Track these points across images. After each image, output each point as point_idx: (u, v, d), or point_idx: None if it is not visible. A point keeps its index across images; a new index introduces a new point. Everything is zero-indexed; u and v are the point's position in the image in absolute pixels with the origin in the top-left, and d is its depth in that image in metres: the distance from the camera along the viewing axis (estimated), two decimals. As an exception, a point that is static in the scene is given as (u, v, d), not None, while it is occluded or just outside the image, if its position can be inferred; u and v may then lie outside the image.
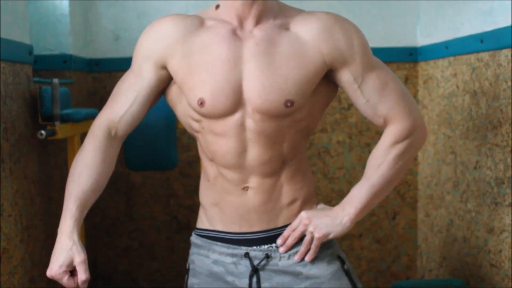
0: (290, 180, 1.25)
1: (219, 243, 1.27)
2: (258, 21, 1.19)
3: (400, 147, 1.25)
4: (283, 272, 1.25)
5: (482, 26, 1.88)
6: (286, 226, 1.27)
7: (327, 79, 1.22)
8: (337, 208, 1.26)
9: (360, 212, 1.25)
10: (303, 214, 1.26)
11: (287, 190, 1.26)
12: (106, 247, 2.58)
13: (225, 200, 1.26)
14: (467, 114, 1.99)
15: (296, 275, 1.25)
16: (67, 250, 1.11)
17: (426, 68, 2.40)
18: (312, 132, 1.30)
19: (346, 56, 1.19)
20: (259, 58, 1.17)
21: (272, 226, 1.26)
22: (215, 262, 1.27)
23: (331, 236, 1.24)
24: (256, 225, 1.25)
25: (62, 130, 1.70)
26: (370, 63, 1.22)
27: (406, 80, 2.49)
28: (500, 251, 1.77)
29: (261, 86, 1.16)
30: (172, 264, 2.58)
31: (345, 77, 1.21)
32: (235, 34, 1.18)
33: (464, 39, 2.01)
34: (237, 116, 1.17)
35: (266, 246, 1.26)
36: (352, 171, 2.52)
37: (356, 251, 2.57)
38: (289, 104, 1.16)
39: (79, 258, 1.11)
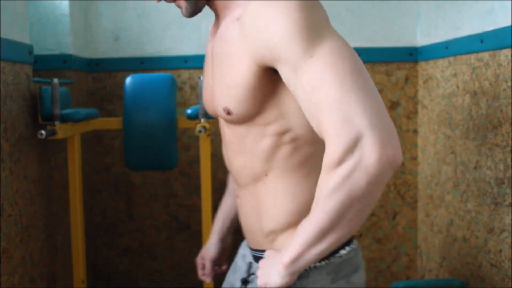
0: (265, 200, 1.06)
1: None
2: (223, 15, 1.07)
3: (331, 179, 0.85)
4: None
5: (482, 26, 1.88)
6: (262, 251, 1.12)
7: None
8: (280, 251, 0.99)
9: (296, 262, 0.92)
10: (260, 263, 1.05)
11: (265, 216, 1.08)
12: (106, 247, 2.58)
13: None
14: (467, 114, 1.99)
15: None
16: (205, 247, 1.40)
17: (426, 68, 2.40)
18: (307, 143, 1.02)
19: (274, 51, 0.90)
20: (214, 61, 1.06)
21: (253, 247, 1.16)
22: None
23: (269, 287, 0.98)
24: (247, 236, 1.19)
25: (62, 130, 1.70)
26: (302, 57, 0.88)
27: (406, 80, 2.49)
28: (500, 251, 1.77)
29: (212, 91, 1.13)
30: (172, 264, 2.58)
31: (283, 77, 0.93)
32: (214, 34, 1.15)
33: (464, 39, 2.01)
34: (221, 120, 1.16)
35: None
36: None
37: (356, 251, 2.57)
38: (226, 113, 1.00)
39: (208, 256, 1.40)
